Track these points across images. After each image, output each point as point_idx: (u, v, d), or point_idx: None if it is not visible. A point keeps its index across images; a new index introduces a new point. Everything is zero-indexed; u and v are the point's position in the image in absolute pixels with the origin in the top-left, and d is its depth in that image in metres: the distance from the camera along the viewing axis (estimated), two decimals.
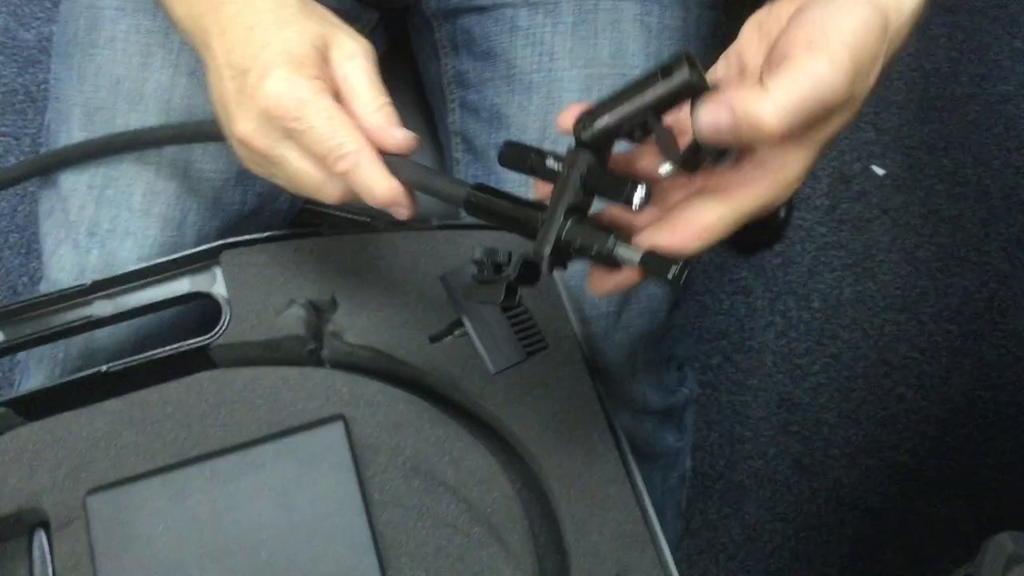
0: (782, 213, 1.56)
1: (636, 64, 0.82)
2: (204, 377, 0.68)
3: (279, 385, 0.68)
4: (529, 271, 0.54)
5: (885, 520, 1.38)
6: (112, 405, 0.68)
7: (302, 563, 0.63)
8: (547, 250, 0.53)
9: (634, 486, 0.66)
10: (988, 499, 1.39)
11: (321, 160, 0.58)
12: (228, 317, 0.70)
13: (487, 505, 0.65)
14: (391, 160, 0.58)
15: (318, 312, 0.70)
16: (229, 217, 0.79)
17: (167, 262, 0.71)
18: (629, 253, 0.51)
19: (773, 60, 0.50)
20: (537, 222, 0.54)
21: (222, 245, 0.71)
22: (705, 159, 0.53)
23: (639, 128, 0.51)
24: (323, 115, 0.57)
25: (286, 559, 0.63)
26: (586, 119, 0.52)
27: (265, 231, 0.72)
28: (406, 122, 0.60)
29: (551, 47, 0.81)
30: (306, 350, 0.70)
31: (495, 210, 0.56)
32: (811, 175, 0.53)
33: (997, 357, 1.49)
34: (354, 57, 0.60)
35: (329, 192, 0.59)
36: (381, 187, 0.58)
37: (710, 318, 1.51)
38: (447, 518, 0.65)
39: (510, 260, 0.55)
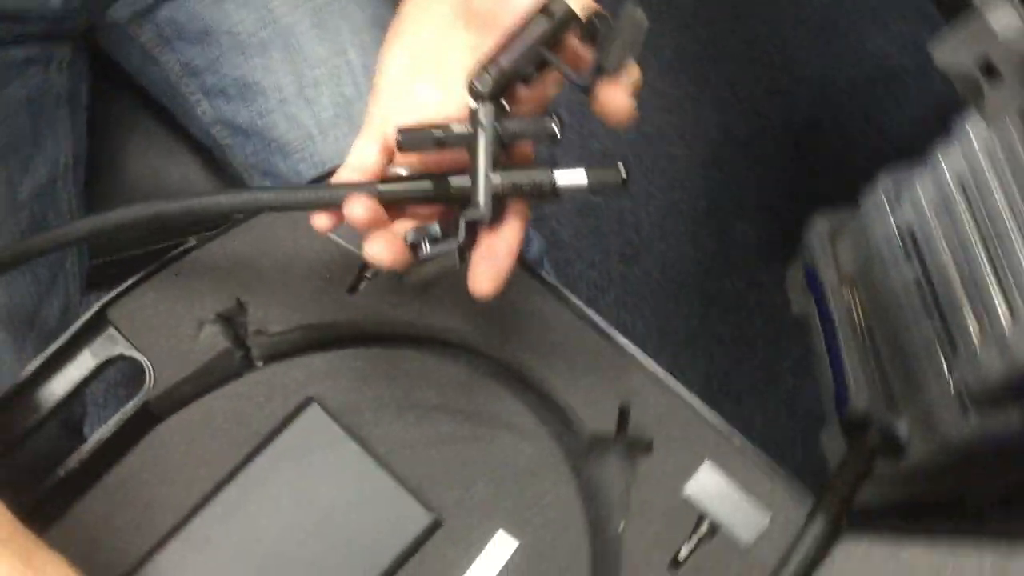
0: None
1: None
2: (159, 433, 0.63)
3: (232, 405, 0.64)
4: (472, 230, 0.52)
5: (713, 257, 1.46)
6: (83, 505, 0.62)
7: (353, 544, 0.61)
8: (484, 203, 0.51)
9: (592, 323, 0.66)
10: (784, 213, 1.49)
11: None
12: (150, 368, 0.64)
13: (479, 406, 0.64)
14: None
15: (231, 321, 0.66)
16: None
17: (56, 351, 0.64)
18: (573, 179, 0.51)
19: None
20: (456, 189, 0.52)
21: (104, 305, 0.65)
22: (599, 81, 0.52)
23: (531, 66, 0.51)
24: None
25: (336, 547, 0.61)
26: (480, 73, 0.51)
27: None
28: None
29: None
30: (238, 360, 0.66)
31: (411, 195, 0.53)
32: None
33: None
34: None
35: None
36: None
37: None
38: (452, 435, 0.64)
39: (442, 232, 0.53)
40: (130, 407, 0.63)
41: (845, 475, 0.62)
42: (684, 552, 0.62)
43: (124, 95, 0.85)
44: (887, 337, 1.15)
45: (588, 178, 0.50)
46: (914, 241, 1.05)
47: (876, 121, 1.54)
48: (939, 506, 1.19)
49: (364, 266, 0.67)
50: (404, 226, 0.54)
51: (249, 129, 0.77)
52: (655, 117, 1.54)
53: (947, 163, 0.97)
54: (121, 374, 1.12)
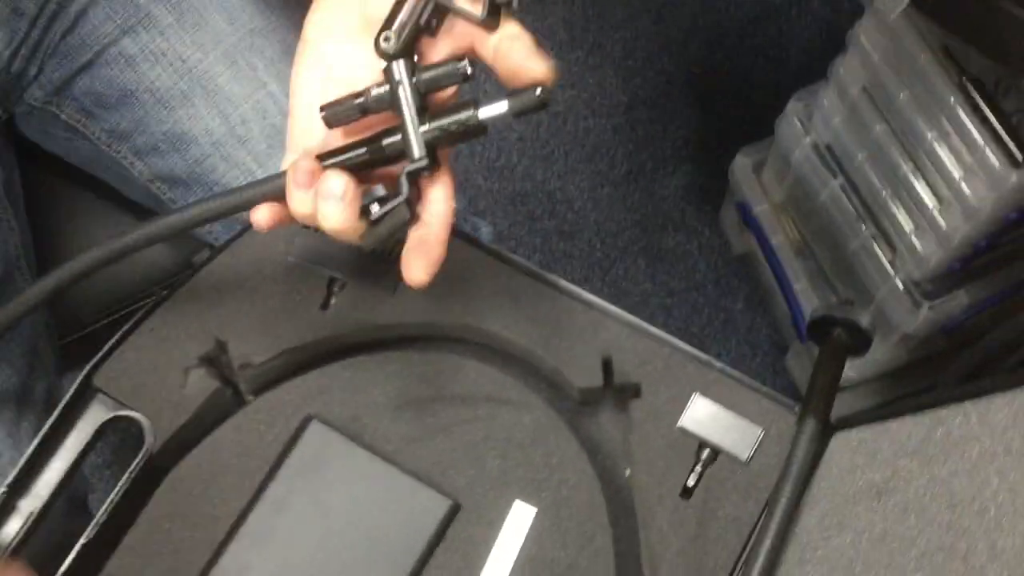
0: None
1: (252, 15, 0.79)
2: (169, 483, 0.65)
3: (235, 440, 0.65)
4: (415, 181, 0.54)
5: (647, 216, 1.50)
6: (114, 563, 0.63)
7: (381, 544, 0.63)
8: (421, 152, 0.53)
9: (558, 286, 0.69)
10: (703, 167, 1.53)
11: None
12: (146, 424, 0.65)
13: (470, 389, 0.67)
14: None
15: (215, 361, 0.67)
16: None
17: (51, 428, 0.65)
18: (494, 108, 0.52)
19: None
20: (393, 146, 0.54)
21: (89, 373, 0.66)
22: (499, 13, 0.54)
23: (430, 16, 0.53)
24: None
25: (366, 551, 0.62)
26: (383, 35, 0.52)
27: None
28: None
29: (174, 52, 0.77)
30: (229, 397, 0.67)
31: (351, 163, 0.55)
32: None
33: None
34: None
35: None
36: None
37: None
38: (452, 421, 0.66)
39: (386, 192, 0.54)
40: (135, 465, 0.64)
41: (823, 374, 0.66)
42: (692, 481, 0.65)
43: (56, 175, 0.86)
44: (829, 252, 1.19)
45: (509, 105, 0.52)
46: (832, 154, 1.10)
47: (770, 54, 1.59)
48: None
49: (331, 281, 0.69)
50: None
51: (188, 179, 0.79)
52: (561, 95, 1.57)
53: (847, 73, 1.01)
54: (112, 450, 1.12)
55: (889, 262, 1.06)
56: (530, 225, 1.51)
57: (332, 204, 0.52)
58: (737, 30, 1.61)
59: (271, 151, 0.77)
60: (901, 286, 1.05)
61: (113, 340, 0.67)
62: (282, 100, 0.77)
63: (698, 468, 0.65)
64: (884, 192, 1.03)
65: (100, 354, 0.67)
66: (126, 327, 0.67)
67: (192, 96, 0.77)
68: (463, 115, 0.53)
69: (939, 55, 0.88)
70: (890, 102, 0.96)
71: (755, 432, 0.65)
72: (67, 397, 0.66)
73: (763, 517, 0.62)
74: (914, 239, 1.00)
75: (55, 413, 0.65)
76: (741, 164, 1.30)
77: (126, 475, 0.64)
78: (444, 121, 0.53)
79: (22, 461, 0.64)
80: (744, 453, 0.65)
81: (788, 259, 1.25)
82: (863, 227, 1.07)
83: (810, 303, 1.22)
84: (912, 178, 0.98)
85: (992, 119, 0.86)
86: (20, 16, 0.75)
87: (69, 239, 0.85)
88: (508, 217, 1.51)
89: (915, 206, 0.99)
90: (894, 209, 1.02)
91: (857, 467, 0.59)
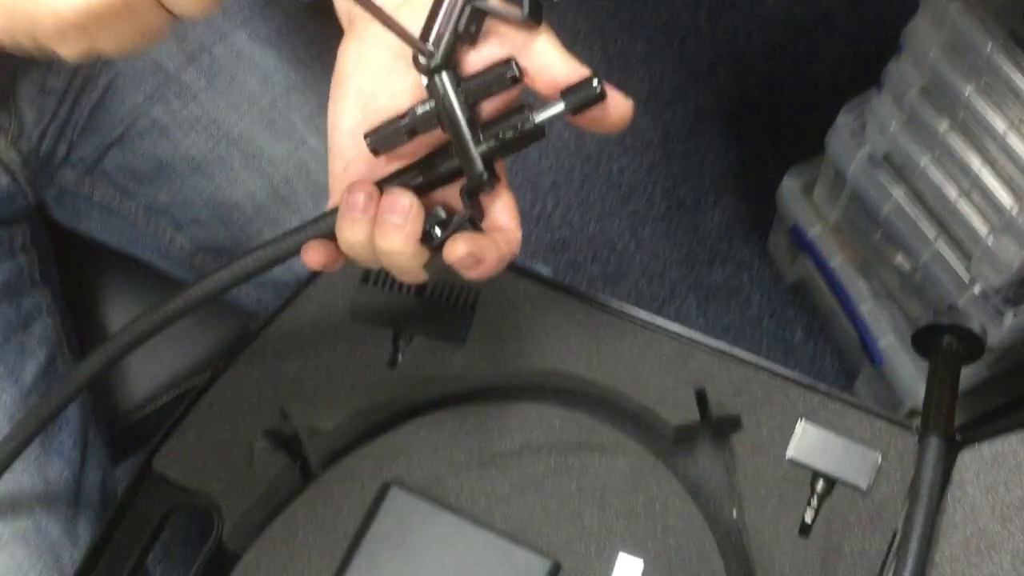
0: None
1: (287, 72, 0.77)
2: (243, 570, 0.60)
3: (310, 516, 0.61)
4: (475, 198, 0.51)
5: (692, 252, 1.46)
6: None
7: None
8: (480, 167, 0.50)
9: (640, 320, 0.65)
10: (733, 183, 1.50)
11: None
12: (215, 509, 0.61)
13: (557, 437, 0.62)
14: None
15: (280, 433, 0.63)
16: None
17: (111, 521, 0.61)
18: (550, 109, 0.49)
19: None
20: (449, 165, 0.51)
21: (148, 459, 0.62)
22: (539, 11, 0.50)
23: (469, 23, 0.49)
24: None
25: None
26: (422, 50, 0.49)
27: None
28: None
29: (208, 117, 0.75)
30: (299, 469, 0.63)
31: (412, 187, 0.51)
32: None
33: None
34: None
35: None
36: None
37: None
38: (541, 473, 0.62)
39: (448, 213, 0.51)
40: (205, 552, 0.60)
41: (939, 386, 0.61)
42: (809, 516, 0.60)
43: (92, 256, 0.83)
44: (895, 267, 1.15)
45: (566, 103, 0.49)
46: (891, 163, 1.06)
47: (801, 75, 1.56)
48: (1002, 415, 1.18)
49: (396, 336, 0.65)
50: None
51: (233, 247, 0.75)
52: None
53: (902, 77, 0.98)
54: (175, 537, 1.07)
55: (965, 271, 1.01)
56: (573, 273, 1.47)
57: (396, 220, 0.49)
58: (764, 55, 1.59)
59: (318, 210, 0.73)
60: (980, 296, 1.01)
61: (171, 421, 0.63)
62: (324, 155, 0.74)
63: (814, 502, 0.60)
64: (954, 196, 0.98)
65: (159, 437, 0.63)
66: (183, 407, 0.63)
67: (230, 160, 0.74)
68: (518, 120, 0.49)
69: (1007, 41, 0.84)
70: (955, 99, 0.92)
71: (873, 457, 0.60)
72: (126, 485, 0.62)
73: (895, 549, 0.57)
74: (992, 243, 0.96)
75: (115, 503, 0.62)
76: (789, 187, 1.26)
77: (196, 565, 0.60)
78: (499, 130, 0.50)
79: (82, 558, 0.60)
80: (863, 481, 0.60)
81: (850, 280, 1.20)
82: (933, 237, 1.03)
83: (877, 324, 1.17)
84: (986, 178, 0.93)
85: None
86: (48, 94, 0.73)
87: (110, 318, 0.82)
88: (550, 265, 1.47)
89: (990, 208, 0.95)
90: (967, 213, 0.98)
91: (998, 483, 0.54)
